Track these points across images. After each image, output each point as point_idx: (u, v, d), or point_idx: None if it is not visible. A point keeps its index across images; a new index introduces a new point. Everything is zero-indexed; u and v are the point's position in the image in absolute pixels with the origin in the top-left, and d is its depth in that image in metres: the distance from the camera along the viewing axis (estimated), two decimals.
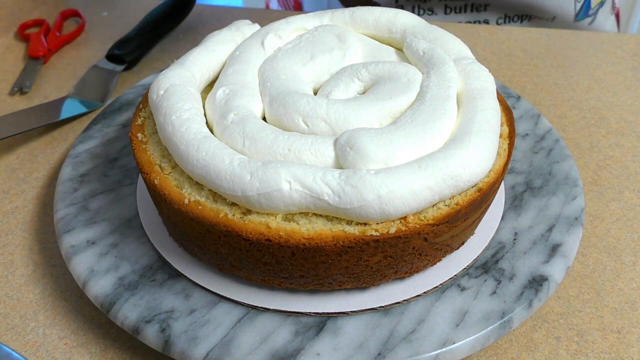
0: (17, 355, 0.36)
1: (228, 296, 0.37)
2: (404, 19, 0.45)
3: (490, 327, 0.35)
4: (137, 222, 0.42)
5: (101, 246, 0.41)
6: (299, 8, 0.83)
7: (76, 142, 0.50)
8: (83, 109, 0.57)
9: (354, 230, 0.33)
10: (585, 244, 0.44)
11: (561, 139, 0.48)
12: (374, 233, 0.33)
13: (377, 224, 0.33)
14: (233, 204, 0.34)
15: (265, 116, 0.39)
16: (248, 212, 0.34)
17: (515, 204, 0.43)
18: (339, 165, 0.35)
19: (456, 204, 0.34)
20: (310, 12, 0.48)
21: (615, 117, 0.56)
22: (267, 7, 0.84)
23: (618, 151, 0.52)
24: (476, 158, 0.34)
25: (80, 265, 0.39)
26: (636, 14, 1.39)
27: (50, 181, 0.50)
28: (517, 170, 0.46)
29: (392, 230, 0.33)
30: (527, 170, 0.46)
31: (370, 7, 0.46)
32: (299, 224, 0.33)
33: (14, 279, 0.43)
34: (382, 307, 0.36)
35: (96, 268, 0.39)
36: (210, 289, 0.37)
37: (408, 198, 0.32)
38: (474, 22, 0.71)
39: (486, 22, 0.72)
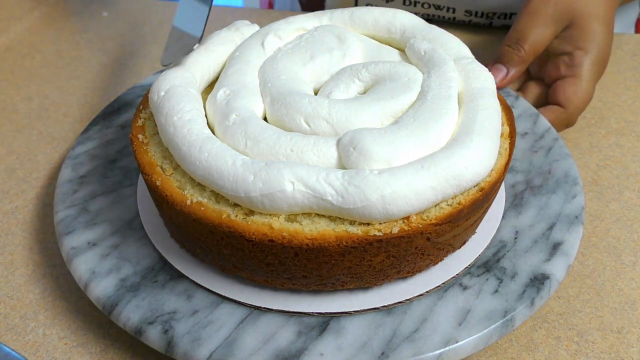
0: (17, 355, 0.36)
1: (231, 297, 0.37)
2: (403, 19, 0.45)
3: (493, 326, 0.35)
4: (138, 223, 0.42)
5: (102, 248, 0.41)
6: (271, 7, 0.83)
7: (75, 144, 0.49)
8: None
9: (357, 230, 0.33)
10: (585, 244, 0.44)
11: (560, 137, 0.48)
12: (377, 233, 0.33)
13: (380, 224, 0.33)
14: (236, 205, 0.34)
15: (267, 117, 0.39)
16: (251, 212, 0.34)
17: (515, 202, 0.43)
18: (342, 165, 0.35)
19: (458, 204, 0.34)
20: (280, 10, 0.47)
21: (615, 117, 0.56)
22: (271, 6, 0.84)
23: (618, 151, 0.52)
24: (478, 157, 0.34)
25: (82, 267, 0.39)
26: None
27: (50, 181, 0.50)
28: (517, 169, 0.46)
29: (395, 230, 0.33)
30: (527, 169, 0.46)
31: (369, 7, 0.46)
32: (302, 224, 0.33)
33: (14, 279, 0.43)
34: (385, 306, 0.36)
35: (97, 270, 0.39)
36: (213, 290, 0.37)
37: (411, 198, 0.32)
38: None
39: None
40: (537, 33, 0.52)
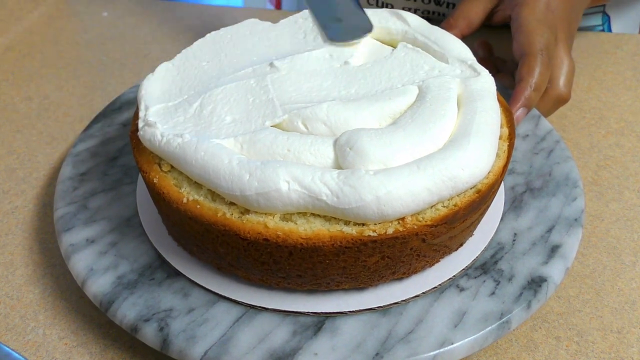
0: (17, 355, 0.36)
1: (226, 295, 0.37)
2: (406, 20, 0.45)
3: (489, 328, 0.35)
4: (137, 221, 0.42)
5: (100, 245, 0.41)
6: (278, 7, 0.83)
7: (77, 141, 0.50)
8: None
9: (351, 230, 0.33)
10: (585, 244, 0.44)
11: (561, 140, 0.48)
12: (371, 234, 0.33)
13: (375, 224, 0.33)
14: (231, 204, 0.34)
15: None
16: (246, 211, 0.34)
17: (515, 204, 0.43)
18: (338, 165, 0.35)
19: (454, 205, 0.34)
20: (288, 10, 0.48)
21: (615, 117, 0.55)
22: (279, 7, 0.85)
23: (618, 151, 0.52)
24: (475, 159, 0.34)
25: (80, 263, 0.39)
26: None
27: (50, 181, 0.51)
28: (517, 171, 0.46)
29: (390, 230, 0.33)
30: (527, 171, 0.46)
31: (372, 9, 0.47)
32: (296, 223, 0.33)
33: (14, 279, 0.43)
34: (381, 307, 0.36)
35: (95, 267, 0.39)
36: (209, 288, 0.37)
37: (406, 199, 0.32)
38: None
39: None
40: (465, 4, 0.55)
